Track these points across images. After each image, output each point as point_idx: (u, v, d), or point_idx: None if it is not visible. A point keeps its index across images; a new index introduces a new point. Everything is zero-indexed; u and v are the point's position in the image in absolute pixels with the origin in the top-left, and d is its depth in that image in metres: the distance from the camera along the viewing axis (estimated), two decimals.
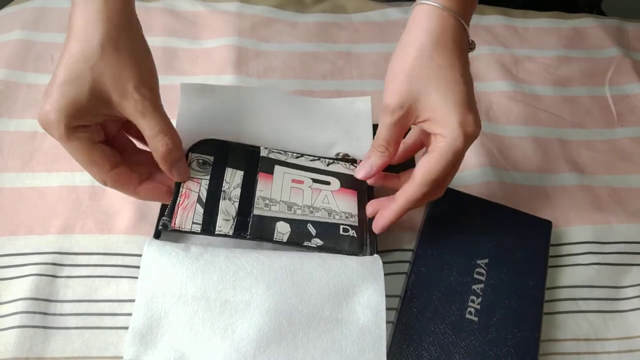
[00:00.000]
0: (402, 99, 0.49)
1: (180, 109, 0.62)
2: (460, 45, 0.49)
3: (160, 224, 0.53)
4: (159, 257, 0.50)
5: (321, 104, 0.68)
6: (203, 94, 0.64)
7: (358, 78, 0.77)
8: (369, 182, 0.58)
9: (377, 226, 0.56)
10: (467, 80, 0.48)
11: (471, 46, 0.52)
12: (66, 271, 0.56)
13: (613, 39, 0.86)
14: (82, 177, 0.62)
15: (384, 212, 0.54)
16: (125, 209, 0.60)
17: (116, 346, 0.52)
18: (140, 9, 0.82)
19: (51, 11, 0.81)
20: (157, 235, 0.55)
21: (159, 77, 0.73)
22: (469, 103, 0.48)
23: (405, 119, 0.50)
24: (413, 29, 0.49)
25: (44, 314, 0.53)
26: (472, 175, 0.67)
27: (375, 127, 0.56)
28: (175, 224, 0.52)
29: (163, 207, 0.56)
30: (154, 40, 0.78)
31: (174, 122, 0.64)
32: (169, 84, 0.73)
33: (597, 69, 0.82)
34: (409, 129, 0.56)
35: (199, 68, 0.76)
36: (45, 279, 0.54)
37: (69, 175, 0.63)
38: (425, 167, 0.49)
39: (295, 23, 0.84)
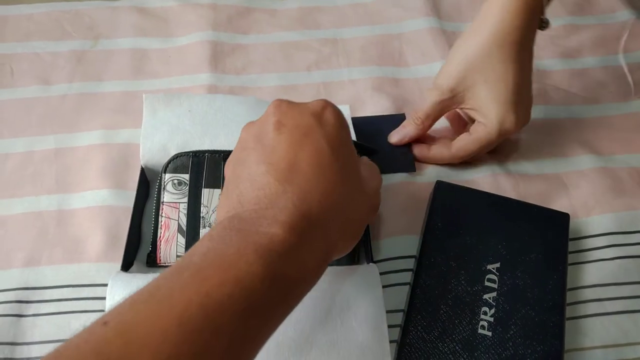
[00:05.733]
0: (455, 84, 0.54)
1: (145, 121, 0.57)
2: (525, 41, 0.52)
3: (147, 261, 0.52)
4: (125, 294, 0.44)
5: None
6: (169, 104, 0.58)
7: (345, 66, 0.70)
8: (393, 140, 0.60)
9: (393, 139, 0.60)
10: (519, 79, 0.53)
11: (544, 25, 0.54)
12: (33, 308, 0.50)
13: (624, 0, 0.78)
14: (48, 201, 0.57)
15: (420, 147, 0.60)
16: (95, 234, 0.54)
17: None
18: (105, 9, 0.77)
19: (11, 19, 0.75)
20: (127, 266, 0.50)
21: (128, 82, 0.68)
22: (514, 102, 0.53)
23: (451, 102, 0.56)
24: (486, 15, 0.53)
25: None
26: (475, 166, 0.61)
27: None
28: (160, 260, 0.51)
29: (130, 237, 0.51)
30: (121, 42, 0.72)
31: (139, 134, 0.58)
32: (140, 90, 0.67)
33: (609, 36, 0.74)
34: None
35: (172, 69, 0.70)
36: (9, 319, 0.49)
37: (33, 200, 0.57)
38: (462, 143, 0.57)
39: (275, 10, 0.77)
